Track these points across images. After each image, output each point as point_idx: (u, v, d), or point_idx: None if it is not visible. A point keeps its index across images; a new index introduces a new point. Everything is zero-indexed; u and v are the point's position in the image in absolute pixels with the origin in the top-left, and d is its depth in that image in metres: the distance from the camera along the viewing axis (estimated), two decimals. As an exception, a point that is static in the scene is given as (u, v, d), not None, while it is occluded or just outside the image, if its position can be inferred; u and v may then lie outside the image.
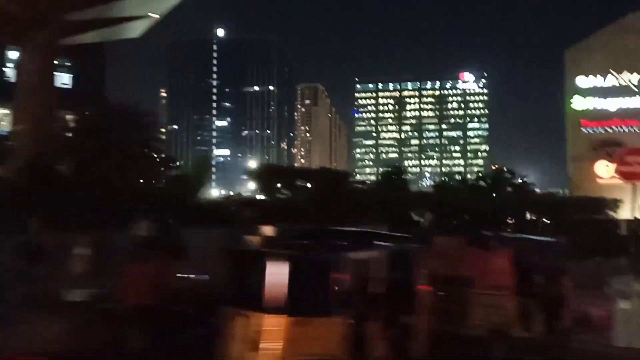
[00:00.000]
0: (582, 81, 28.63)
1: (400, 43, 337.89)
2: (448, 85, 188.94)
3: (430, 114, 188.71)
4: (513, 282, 8.70)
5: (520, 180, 30.11)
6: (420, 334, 7.60)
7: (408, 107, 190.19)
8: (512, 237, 14.00)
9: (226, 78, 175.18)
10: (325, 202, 18.34)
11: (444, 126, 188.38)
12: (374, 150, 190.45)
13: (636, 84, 28.00)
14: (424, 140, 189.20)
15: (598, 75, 28.37)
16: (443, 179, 35.68)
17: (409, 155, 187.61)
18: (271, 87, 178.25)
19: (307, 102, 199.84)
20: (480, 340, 8.49)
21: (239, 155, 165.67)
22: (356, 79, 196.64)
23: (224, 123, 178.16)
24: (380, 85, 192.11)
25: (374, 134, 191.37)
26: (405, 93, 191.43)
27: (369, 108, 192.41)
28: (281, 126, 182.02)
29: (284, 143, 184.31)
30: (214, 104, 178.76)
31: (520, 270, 8.78)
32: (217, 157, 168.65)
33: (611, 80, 28.29)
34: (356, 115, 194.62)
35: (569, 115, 30.29)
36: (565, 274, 9.65)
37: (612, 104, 28.20)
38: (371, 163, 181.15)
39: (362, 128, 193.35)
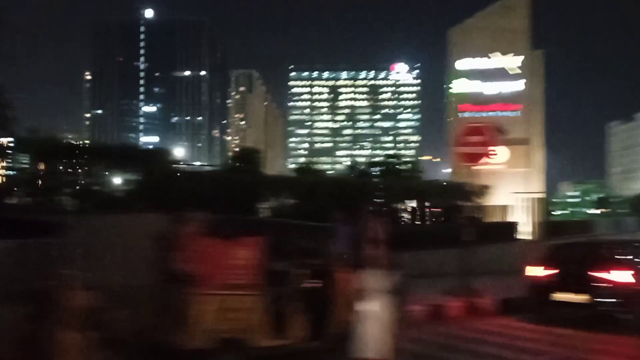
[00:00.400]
0: (462, 63, 26.88)
1: (336, 32, 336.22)
2: (382, 76, 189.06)
3: (364, 103, 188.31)
4: (259, 279, 6.69)
5: (405, 167, 28.39)
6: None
7: (342, 96, 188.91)
8: (265, 221, 11.70)
9: (156, 62, 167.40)
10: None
11: (377, 116, 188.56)
12: (308, 139, 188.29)
13: (518, 66, 26.45)
14: (357, 130, 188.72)
15: (478, 57, 26.71)
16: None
17: (342, 145, 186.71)
18: (203, 73, 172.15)
19: (242, 89, 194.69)
20: (206, 353, 6.35)
21: (169, 142, 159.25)
22: (290, 67, 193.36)
23: (152, 109, 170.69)
24: (315, 74, 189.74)
25: (308, 123, 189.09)
26: (340, 82, 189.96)
27: (304, 97, 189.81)
28: (213, 113, 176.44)
29: (217, 130, 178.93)
30: (142, 89, 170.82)
31: (270, 263, 6.84)
32: (145, 144, 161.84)
33: (492, 63, 26.69)
34: (290, 103, 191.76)
35: (450, 99, 28.65)
36: (338, 266, 7.33)
37: (493, 87, 26.62)
38: (306, 152, 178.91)
39: (297, 117, 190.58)
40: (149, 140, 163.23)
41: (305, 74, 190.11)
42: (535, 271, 10.63)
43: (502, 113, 26.97)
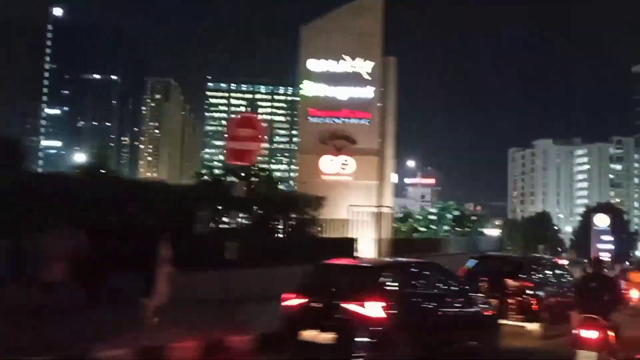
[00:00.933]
0: (313, 64, 24.44)
1: (257, 47, 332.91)
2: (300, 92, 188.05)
3: (282, 118, 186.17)
4: None
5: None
6: None
7: (260, 109, 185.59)
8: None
9: (64, 63, 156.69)
10: None
11: (294, 132, 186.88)
12: (224, 151, 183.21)
13: (369, 72, 24.33)
14: (274, 145, 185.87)
15: (330, 59, 24.39)
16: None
17: (259, 158, 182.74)
18: (115, 77, 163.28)
19: (158, 97, 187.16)
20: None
21: (76, 147, 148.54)
22: (208, 77, 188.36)
23: (56, 111, 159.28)
24: (233, 86, 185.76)
25: (225, 135, 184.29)
26: (258, 96, 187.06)
27: (221, 108, 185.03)
28: (124, 119, 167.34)
29: (127, 137, 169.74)
30: (47, 90, 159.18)
31: None
32: (46, 148, 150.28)
33: (342, 66, 24.43)
34: (207, 114, 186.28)
35: (300, 102, 26.17)
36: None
37: (343, 93, 24.32)
38: (220, 164, 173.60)
39: (213, 128, 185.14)
40: (51, 144, 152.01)
41: (224, 85, 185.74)
42: (289, 300, 7.90)
43: (351, 120, 24.74)
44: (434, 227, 30.75)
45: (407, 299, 7.84)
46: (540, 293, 11.12)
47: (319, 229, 19.65)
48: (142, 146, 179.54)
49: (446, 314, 8.37)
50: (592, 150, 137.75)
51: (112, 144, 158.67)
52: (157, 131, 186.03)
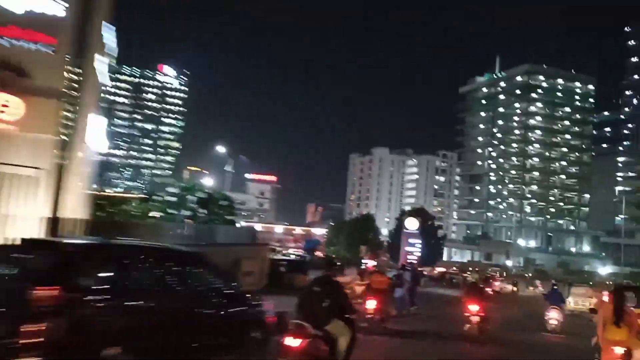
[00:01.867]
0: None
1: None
2: (149, 75, 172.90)
3: (125, 100, 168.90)
4: None
5: None
6: None
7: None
8: None
9: None
10: None
11: (137, 116, 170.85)
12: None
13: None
14: (113, 128, 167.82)
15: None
16: None
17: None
18: None
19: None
20: None
21: None
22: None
23: None
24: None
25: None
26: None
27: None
28: None
29: None
30: None
31: None
32: None
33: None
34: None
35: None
36: None
37: (18, 3, 15.90)
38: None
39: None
40: None
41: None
42: None
43: (26, 44, 16.54)
44: (174, 211, 23.72)
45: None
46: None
47: None
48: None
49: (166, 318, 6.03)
50: (422, 162, 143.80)
51: None
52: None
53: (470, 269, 64.92)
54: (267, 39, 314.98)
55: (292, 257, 36.09)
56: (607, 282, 53.09)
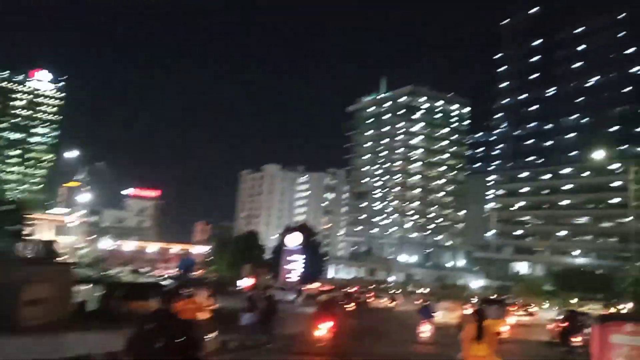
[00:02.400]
0: None
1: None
2: (19, 79, 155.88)
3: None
4: None
5: None
6: None
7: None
8: None
9: None
10: None
11: (4, 125, 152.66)
12: None
13: None
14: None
15: None
16: None
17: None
18: None
19: None
20: None
21: None
22: None
23: None
24: None
25: None
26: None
27: None
28: None
29: None
30: None
31: None
32: None
33: None
34: None
35: None
36: None
37: None
38: None
39: None
40: None
41: None
42: None
43: None
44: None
45: None
46: None
47: None
48: None
49: None
50: (312, 179, 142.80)
51: None
52: None
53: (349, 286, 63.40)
54: (156, 49, 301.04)
55: (165, 277, 31.75)
56: (471, 298, 54.31)
